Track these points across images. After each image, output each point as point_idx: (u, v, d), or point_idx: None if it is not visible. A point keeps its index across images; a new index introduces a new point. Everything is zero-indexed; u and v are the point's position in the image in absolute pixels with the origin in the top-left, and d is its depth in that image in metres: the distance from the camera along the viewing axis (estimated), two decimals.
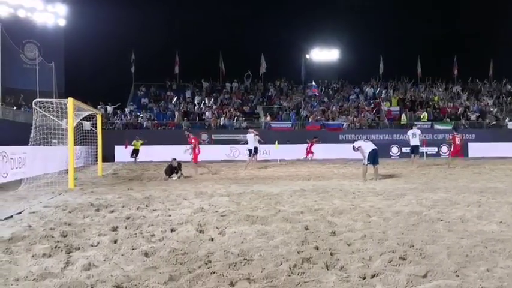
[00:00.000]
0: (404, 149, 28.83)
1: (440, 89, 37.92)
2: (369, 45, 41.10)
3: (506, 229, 5.83)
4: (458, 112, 33.10)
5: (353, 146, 13.59)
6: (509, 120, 31.91)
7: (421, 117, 31.93)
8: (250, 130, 19.65)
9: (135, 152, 24.30)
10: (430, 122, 31.57)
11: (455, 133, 20.01)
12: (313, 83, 35.93)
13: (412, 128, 20.27)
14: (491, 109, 33.85)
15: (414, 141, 18.82)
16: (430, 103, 34.90)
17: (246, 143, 23.42)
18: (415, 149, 19.00)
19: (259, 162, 21.99)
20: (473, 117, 32.46)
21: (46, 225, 6.26)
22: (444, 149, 29.10)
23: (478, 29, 41.77)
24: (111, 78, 34.63)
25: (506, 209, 7.39)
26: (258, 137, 19.80)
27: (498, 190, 10.08)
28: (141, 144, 24.57)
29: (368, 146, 13.29)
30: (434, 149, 29.07)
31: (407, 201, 8.49)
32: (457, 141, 19.23)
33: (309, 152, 25.08)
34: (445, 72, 39.63)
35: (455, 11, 45.26)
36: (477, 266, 4.20)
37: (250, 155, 19.10)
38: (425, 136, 29.90)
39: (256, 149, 19.59)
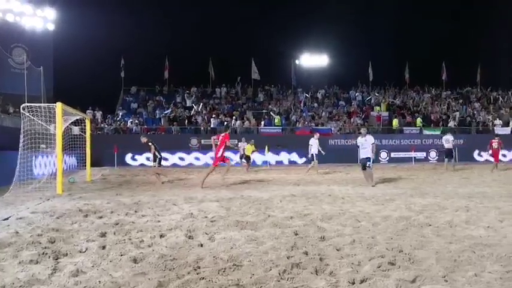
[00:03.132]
0: (393, 154, 29.10)
1: (429, 95, 38.27)
2: (358, 51, 41.56)
3: (494, 234, 5.88)
4: (449, 119, 33.39)
5: (358, 142, 13.20)
6: (497, 125, 32.28)
7: (417, 122, 32.30)
8: (315, 135, 19.26)
9: (247, 158, 21.38)
10: (419, 128, 31.89)
11: (496, 138, 19.71)
12: (303, 94, 36.10)
13: (445, 134, 21.29)
14: (479, 115, 34.25)
15: (448, 146, 19.83)
16: (419, 108, 35.22)
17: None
18: (448, 154, 19.91)
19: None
20: (455, 121, 32.78)
21: (33, 231, 6.18)
22: (432, 154, 29.33)
23: (466, 35, 42.42)
24: (100, 83, 34.55)
25: (494, 213, 7.45)
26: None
27: (486, 195, 10.18)
28: (253, 151, 21.54)
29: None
30: (422, 154, 29.32)
31: (396, 206, 8.53)
32: (495, 145, 19.26)
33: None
34: (434, 77, 40.17)
35: (447, 16, 45.94)
36: (465, 270, 4.23)
37: (314, 159, 18.74)
38: (414, 141, 30.29)
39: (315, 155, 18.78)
